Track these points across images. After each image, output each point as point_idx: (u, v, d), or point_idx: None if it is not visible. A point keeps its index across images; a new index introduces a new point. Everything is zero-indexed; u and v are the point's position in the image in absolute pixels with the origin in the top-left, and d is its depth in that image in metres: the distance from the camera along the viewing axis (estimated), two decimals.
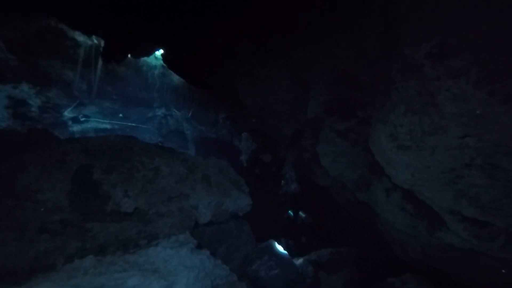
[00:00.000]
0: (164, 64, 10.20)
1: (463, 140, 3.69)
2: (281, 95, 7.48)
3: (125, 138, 5.72)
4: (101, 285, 3.48)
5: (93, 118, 10.87)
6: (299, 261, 7.10)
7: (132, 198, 4.59)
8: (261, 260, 6.26)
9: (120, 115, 11.68)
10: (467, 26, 3.47)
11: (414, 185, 4.42)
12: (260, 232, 6.94)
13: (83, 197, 4.37)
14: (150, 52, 9.83)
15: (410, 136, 4.19)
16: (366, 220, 7.09)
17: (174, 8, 6.51)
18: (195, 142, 13.88)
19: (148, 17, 6.74)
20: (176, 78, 12.68)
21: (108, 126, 11.39)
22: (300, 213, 9.71)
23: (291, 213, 9.72)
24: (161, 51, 9.82)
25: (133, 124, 12.16)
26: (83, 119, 10.44)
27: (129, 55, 9.43)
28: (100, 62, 9.96)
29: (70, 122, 10.19)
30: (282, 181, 10.04)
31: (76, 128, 10.39)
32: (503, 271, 4.01)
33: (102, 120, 11.16)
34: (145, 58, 11.63)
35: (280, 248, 6.93)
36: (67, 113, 9.97)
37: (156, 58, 12.07)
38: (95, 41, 9.79)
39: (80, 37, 9.36)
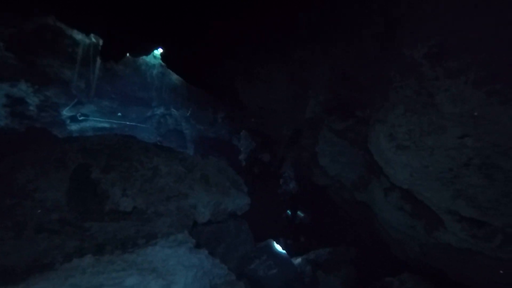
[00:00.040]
0: (163, 63, 10.18)
1: (461, 140, 3.71)
2: (280, 94, 7.48)
3: (123, 137, 5.70)
4: (99, 284, 3.47)
5: (92, 117, 10.83)
6: (297, 260, 7.12)
7: (130, 198, 4.58)
8: (260, 260, 6.27)
9: (119, 114, 11.64)
10: (467, 26, 3.48)
11: (413, 185, 4.43)
12: (258, 231, 6.94)
13: (82, 196, 4.36)
14: (149, 51, 9.81)
15: (409, 136, 4.20)
16: (365, 219, 7.11)
17: (174, 7, 6.49)
18: (194, 142, 13.87)
19: (147, 15, 6.72)
20: (175, 77, 12.66)
21: (107, 125, 11.36)
22: (299, 212, 9.73)
23: (290, 213, 9.73)
24: (160, 50, 9.80)
25: (131, 123, 12.12)
26: (81, 118, 10.39)
27: (127, 54, 9.40)
28: (98, 61, 9.92)
29: (68, 121, 10.15)
30: (281, 180, 10.05)
31: (74, 127, 10.35)
32: (501, 272, 4.03)
33: (100, 119, 11.12)
34: (144, 57, 11.60)
35: (278, 247, 6.94)
36: (65, 112, 9.93)
37: (154, 57, 12.03)
38: (94, 39, 9.75)
39: (78, 36, 9.32)
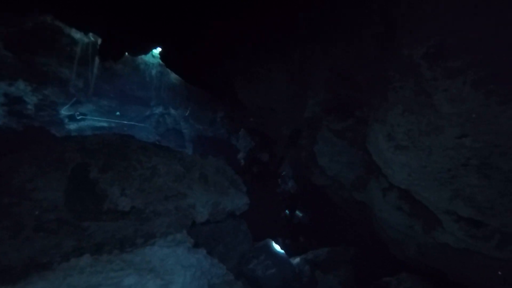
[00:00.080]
0: (162, 63, 10.15)
1: (459, 140, 3.72)
2: (280, 94, 7.48)
3: (122, 137, 5.68)
4: (97, 284, 3.46)
5: (90, 116, 10.80)
6: (296, 260, 7.12)
7: (129, 197, 4.56)
8: (258, 259, 6.27)
9: (117, 113, 11.61)
10: (466, 26, 3.48)
11: (411, 185, 4.44)
12: (257, 231, 6.94)
13: (80, 195, 4.34)
14: (148, 50, 9.79)
15: (408, 136, 4.20)
16: (363, 219, 7.12)
17: (173, 7, 6.47)
18: (193, 141, 13.86)
19: (147, 15, 6.70)
20: (173, 76, 12.63)
21: (105, 124, 11.33)
22: (297, 212, 9.73)
23: (288, 212, 9.74)
24: (159, 49, 9.77)
25: (130, 123, 12.10)
26: (79, 117, 10.36)
27: (126, 53, 9.38)
28: (97, 60, 9.89)
29: (66, 120, 10.12)
30: (280, 180, 10.06)
31: (72, 126, 10.32)
32: (500, 273, 4.04)
33: (99, 118, 11.09)
34: (143, 56, 11.57)
35: (277, 247, 6.94)
36: (64, 111, 9.90)
37: (153, 56, 12.01)
38: (92, 38, 9.72)
39: (77, 34, 9.29)
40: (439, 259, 4.90)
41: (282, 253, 6.87)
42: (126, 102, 11.71)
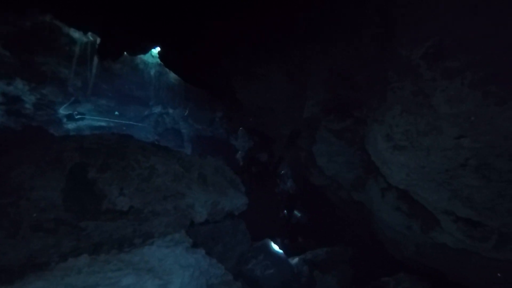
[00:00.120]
0: (161, 62, 10.13)
1: (458, 140, 3.73)
2: (279, 94, 7.48)
3: (120, 136, 5.66)
4: (95, 284, 3.45)
5: (89, 116, 10.77)
6: (294, 260, 7.12)
7: (127, 197, 4.55)
8: (257, 259, 6.26)
9: (116, 113, 11.58)
10: (466, 26, 3.49)
11: (409, 185, 4.45)
12: (256, 231, 6.93)
13: (78, 195, 4.32)
14: (147, 49, 9.76)
15: (406, 137, 4.21)
16: (362, 219, 7.13)
17: (173, 7, 6.46)
18: (191, 141, 13.84)
19: (145, 14, 6.69)
20: (172, 76, 12.61)
21: (104, 124, 11.31)
22: (296, 212, 9.73)
23: (287, 212, 9.74)
24: (158, 48, 9.75)
25: (129, 122, 12.07)
26: (78, 116, 10.33)
27: (125, 53, 9.35)
28: (95, 59, 9.87)
29: (65, 120, 10.08)
30: (278, 180, 10.06)
31: (71, 125, 10.29)
32: (498, 274, 4.05)
33: (97, 118, 11.06)
34: (142, 56, 11.55)
35: (275, 247, 6.94)
36: (62, 111, 9.87)
37: (152, 56, 11.98)
38: (91, 38, 9.70)
39: (75, 34, 9.26)
40: (437, 259, 4.91)
41: (281, 253, 6.87)
42: (124, 101, 11.69)
